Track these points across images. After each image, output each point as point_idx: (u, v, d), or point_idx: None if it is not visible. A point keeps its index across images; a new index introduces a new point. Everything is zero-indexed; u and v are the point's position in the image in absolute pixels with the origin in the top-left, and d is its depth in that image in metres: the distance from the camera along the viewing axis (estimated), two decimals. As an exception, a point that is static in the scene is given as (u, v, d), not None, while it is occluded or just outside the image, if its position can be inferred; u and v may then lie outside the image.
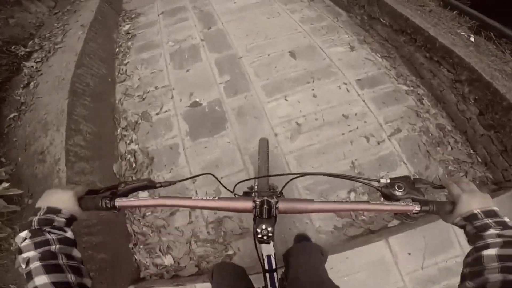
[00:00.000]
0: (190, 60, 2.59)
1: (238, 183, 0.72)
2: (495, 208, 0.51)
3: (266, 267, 0.72)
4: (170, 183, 0.60)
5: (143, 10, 3.51)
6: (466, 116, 1.79)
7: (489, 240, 0.46)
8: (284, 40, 2.60)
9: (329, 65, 2.31)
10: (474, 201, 0.52)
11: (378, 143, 1.83)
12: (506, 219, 0.50)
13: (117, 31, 3.16)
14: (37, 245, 0.46)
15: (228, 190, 0.68)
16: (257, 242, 0.60)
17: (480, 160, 1.74)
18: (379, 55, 2.37)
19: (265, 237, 0.53)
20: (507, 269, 0.42)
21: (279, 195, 0.59)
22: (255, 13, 3.00)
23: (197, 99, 2.22)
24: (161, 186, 0.59)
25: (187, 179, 0.67)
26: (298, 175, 0.63)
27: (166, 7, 3.44)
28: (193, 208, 0.54)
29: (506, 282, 0.40)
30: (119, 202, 0.53)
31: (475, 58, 1.71)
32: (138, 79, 2.51)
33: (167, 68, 2.56)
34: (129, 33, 3.12)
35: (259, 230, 0.53)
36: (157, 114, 2.19)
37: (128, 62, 2.72)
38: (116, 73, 2.60)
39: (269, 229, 0.52)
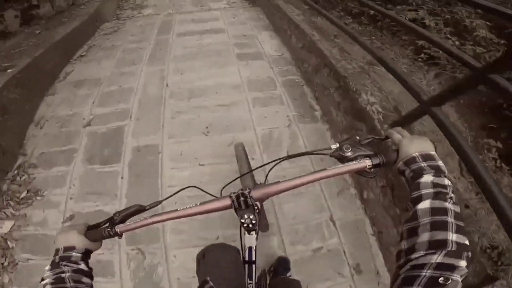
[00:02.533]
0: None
1: (223, 187, 0.77)
2: (433, 152, 0.53)
3: (247, 258, 0.78)
4: (157, 204, 0.65)
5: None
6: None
7: (424, 191, 0.48)
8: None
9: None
10: (413, 145, 0.54)
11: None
12: (441, 163, 0.52)
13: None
14: (53, 274, 0.53)
15: (214, 196, 0.68)
16: (243, 232, 0.71)
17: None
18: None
19: (250, 225, 0.58)
20: (435, 225, 0.43)
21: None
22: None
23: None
24: (150, 208, 0.63)
25: (171, 196, 0.69)
26: (272, 162, 0.70)
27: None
28: (180, 217, 0.59)
29: (432, 242, 0.42)
30: (120, 228, 0.58)
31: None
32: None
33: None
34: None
35: (243, 220, 0.58)
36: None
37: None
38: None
39: (251, 216, 0.57)
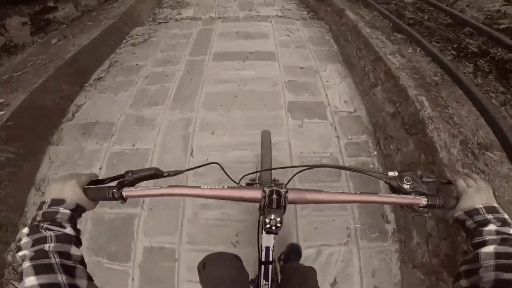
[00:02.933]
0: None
1: (244, 175, 0.71)
2: (496, 205, 0.52)
3: (263, 259, 0.72)
4: (177, 172, 0.59)
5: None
6: None
7: (488, 237, 0.46)
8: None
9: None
10: (478, 197, 0.53)
11: None
12: (506, 216, 0.50)
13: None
14: (33, 243, 0.44)
15: (234, 181, 0.69)
16: (263, 232, 0.63)
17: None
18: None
19: (273, 228, 0.52)
20: (501, 267, 0.42)
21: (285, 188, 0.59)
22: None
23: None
24: (168, 175, 0.57)
25: (193, 168, 0.65)
26: (306, 167, 0.63)
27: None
28: (201, 197, 0.53)
29: (499, 281, 0.40)
30: (127, 192, 0.52)
31: None
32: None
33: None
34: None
35: (267, 220, 0.52)
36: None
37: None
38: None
39: (278, 219, 0.52)
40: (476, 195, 0.53)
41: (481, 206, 0.51)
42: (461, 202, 0.54)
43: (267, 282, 0.74)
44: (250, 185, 0.71)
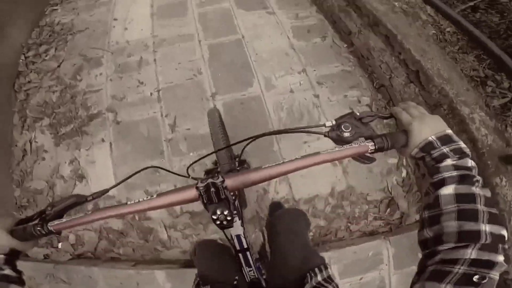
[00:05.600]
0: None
1: (190, 164, 0.66)
2: (449, 131, 0.48)
3: (238, 248, 0.70)
4: (102, 193, 0.54)
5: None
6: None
7: (446, 174, 0.44)
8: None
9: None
10: (426, 127, 0.48)
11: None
12: (462, 144, 0.47)
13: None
14: None
15: (181, 175, 0.63)
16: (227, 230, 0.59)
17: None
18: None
19: (224, 222, 0.48)
20: (463, 215, 0.40)
21: (243, 163, 0.59)
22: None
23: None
24: (92, 199, 0.53)
25: (120, 182, 0.57)
26: (251, 139, 0.58)
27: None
28: (132, 213, 0.49)
29: (462, 233, 0.38)
30: (53, 226, 0.48)
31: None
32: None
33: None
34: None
35: (215, 217, 0.47)
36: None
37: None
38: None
39: (226, 212, 0.47)
40: (424, 125, 0.48)
41: (433, 137, 0.46)
42: (411, 138, 0.48)
43: (250, 268, 0.72)
44: (209, 172, 0.66)
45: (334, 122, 0.51)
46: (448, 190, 0.42)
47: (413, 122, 0.48)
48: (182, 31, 2.33)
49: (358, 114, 0.52)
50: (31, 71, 2.04)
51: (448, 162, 0.44)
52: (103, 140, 1.75)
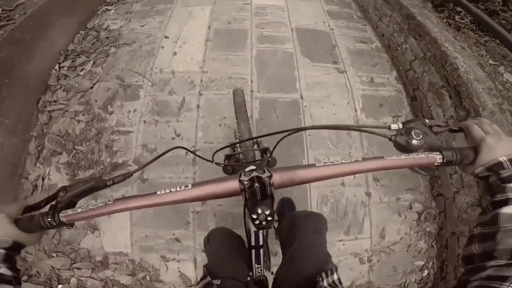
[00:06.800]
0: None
1: (216, 151, 0.64)
2: None
3: (253, 244, 0.70)
4: (124, 177, 0.47)
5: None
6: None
7: (511, 194, 0.41)
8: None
9: None
10: (499, 147, 0.44)
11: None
12: None
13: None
14: None
15: (206, 159, 0.62)
16: (247, 216, 0.58)
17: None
18: None
19: (264, 222, 0.43)
20: None
21: (269, 158, 0.56)
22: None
23: None
24: (113, 184, 0.46)
25: (146, 164, 0.51)
26: (291, 131, 0.51)
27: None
28: (160, 205, 0.42)
29: None
30: (66, 216, 0.41)
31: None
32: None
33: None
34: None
35: (255, 217, 0.43)
36: None
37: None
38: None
39: (267, 212, 0.42)
40: (497, 145, 0.44)
41: (505, 159, 0.43)
42: (480, 155, 0.45)
43: (259, 266, 0.72)
44: (228, 159, 0.69)
45: (400, 126, 0.47)
46: (509, 209, 0.40)
47: (486, 139, 0.45)
48: (235, 71, 2.02)
49: (427, 121, 0.48)
50: (60, 87, 1.80)
51: None
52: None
